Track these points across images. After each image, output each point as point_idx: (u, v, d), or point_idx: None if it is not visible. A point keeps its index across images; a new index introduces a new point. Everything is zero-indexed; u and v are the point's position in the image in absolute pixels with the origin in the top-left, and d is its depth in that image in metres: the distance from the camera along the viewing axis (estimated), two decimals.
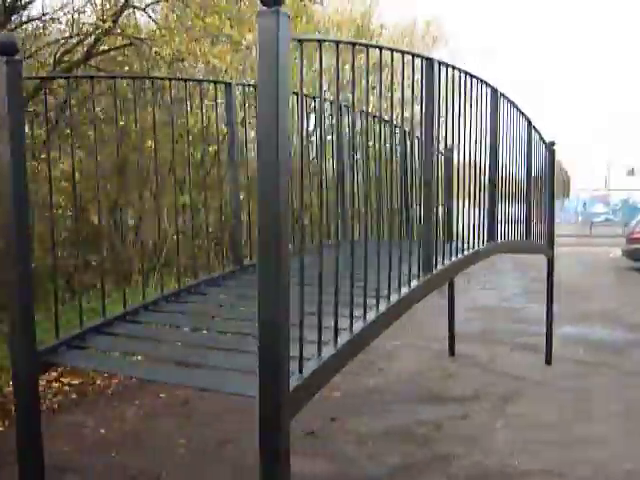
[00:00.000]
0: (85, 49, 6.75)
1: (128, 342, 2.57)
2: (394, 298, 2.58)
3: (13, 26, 6.15)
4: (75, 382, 5.89)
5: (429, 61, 2.84)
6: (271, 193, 1.69)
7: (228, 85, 4.05)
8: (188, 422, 4.97)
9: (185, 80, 4.29)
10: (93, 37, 6.55)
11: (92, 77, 4.37)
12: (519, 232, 4.94)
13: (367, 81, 2.81)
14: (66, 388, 5.77)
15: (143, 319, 2.76)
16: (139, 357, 2.63)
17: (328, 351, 2.12)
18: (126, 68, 7.28)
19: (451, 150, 6.24)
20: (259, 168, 1.71)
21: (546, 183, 6.24)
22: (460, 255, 3.38)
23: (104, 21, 6.50)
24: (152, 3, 7.22)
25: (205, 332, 2.70)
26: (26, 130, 6.61)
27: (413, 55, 2.75)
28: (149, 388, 5.83)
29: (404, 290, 2.68)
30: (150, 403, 5.42)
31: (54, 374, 5.99)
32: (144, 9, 7.26)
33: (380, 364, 6.65)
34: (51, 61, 6.62)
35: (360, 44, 2.55)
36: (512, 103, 4.57)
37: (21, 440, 2.40)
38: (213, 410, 5.23)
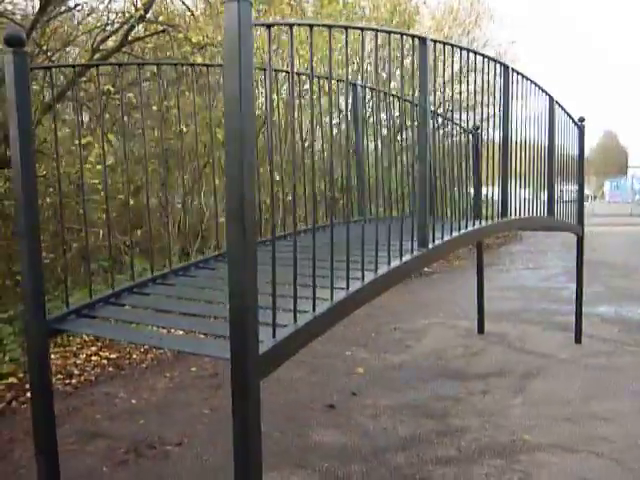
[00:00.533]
0: (120, 37, 6.97)
1: (132, 312, 2.74)
2: (382, 270, 2.65)
3: (51, 16, 6.40)
4: (113, 356, 6.20)
5: (422, 40, 2.88)
6: (237, 170, 1.80)
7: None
8: (214, 393, 5.17)
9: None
10: (127, 25, 6.76)
11: (119, 65, 4.55)
12: (539, 209, 4.92)
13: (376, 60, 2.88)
14: (104, 362, 6.07)
15: (150, 291, 2.93)
16: (139, 325, 2.81)
17: (306, 318, 2.22)
18: (166, 54, 7.50)
19: (478, 128, 6.27)
20: (226, 150, 1.83)
21: (576, 161, 6.16)
22: (463, 230, 3.42)
23: (137, 9, 6.72)
24: None
25: (202, 302, 2.83)
26: (73, 116, 6.89)
27: (402, 34, 2.81)
28: (181, 362, 6.10)
29: (395, 263, 2.75)
30: (180, 376, 5.66)
31: (94, 348, 6.33)
32: None
33: (408, 342, 6.74)
34: (90, 48, 6.87)
35: (337, 26, 2.62)
36: (529, 80, 4.54)
37: (35, 399, 2.62)
38: None
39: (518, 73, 4.28)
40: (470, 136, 5.65)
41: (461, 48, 3.37)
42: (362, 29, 2.63)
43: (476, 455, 3.91)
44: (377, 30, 2.91)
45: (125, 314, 2.73)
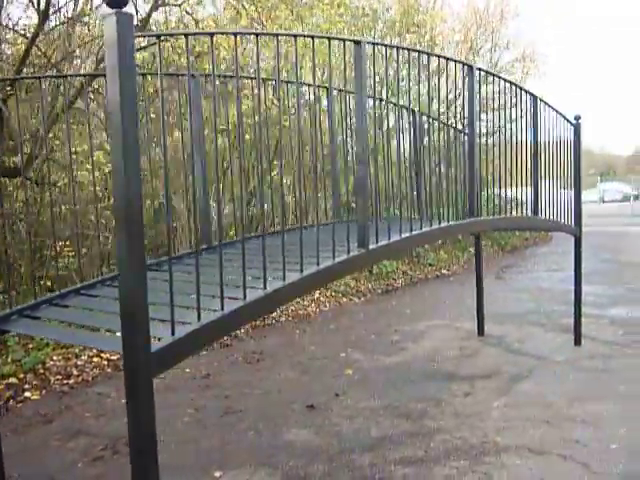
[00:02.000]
0: None
1: (72, 313, 2.84)
2: (310, 270, 2.68)
3: (52, 27, 6.63)
4: (113, 357, 6.37)
5: (357, 43, 2.91)
6: (122, 178, 1.88)
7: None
8: (202, 394, 5.29)
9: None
10: None
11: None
12: (520, 209, 4.89)
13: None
14: (104, 363, 6.25)
15: (98, 293, 3.04)
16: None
17: (211, 317, 2.28)
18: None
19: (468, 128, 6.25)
20: (112, 165, 1.92)
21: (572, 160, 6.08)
22: (420, 230, 3.42)
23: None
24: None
25: None
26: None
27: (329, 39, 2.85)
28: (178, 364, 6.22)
29: (327, 263, 2.78)
30: (174, 377, 5.77)
31: (95, 350, 6.51)
32: (179, 5, 7.60)
33: (405, 344, 6.74)
34: (95, 58, 7.09)
35: (239, 33, 2.68)
36: (508, 82, 4.55)
37: None
38: (229, 383, 5.54)
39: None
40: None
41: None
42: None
43: (442, 456, 3.91)
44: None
45: (64, 315, 2.84)
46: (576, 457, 3.82)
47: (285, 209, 4.98)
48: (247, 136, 7.97)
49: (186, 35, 2.38)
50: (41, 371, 5.84)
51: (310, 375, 5.74)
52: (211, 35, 2.50)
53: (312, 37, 2.83)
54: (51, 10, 6.14)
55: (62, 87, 6.94)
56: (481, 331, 6.92)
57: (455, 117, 4.36)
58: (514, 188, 5.25)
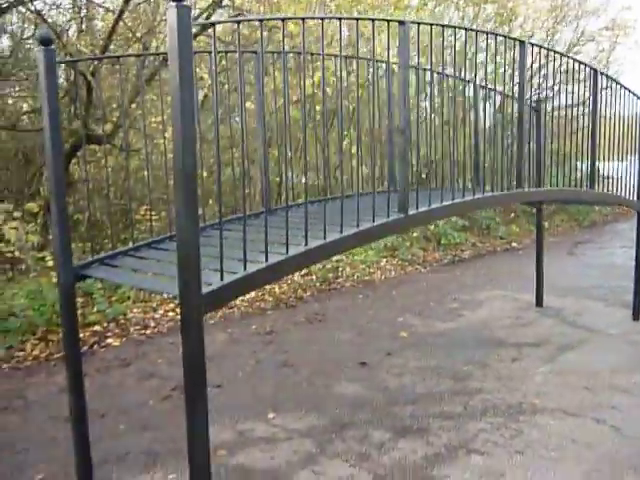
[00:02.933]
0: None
1: (143, 262, 3.26)
2: (348, 232, 2.97)
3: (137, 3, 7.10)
4: None
5: (401, 23, 3.13)
6: (181, 156, 2.23)
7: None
8: (264, 348, 5.71)
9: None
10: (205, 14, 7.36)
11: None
12: (575, 181, 4.97)
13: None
14: (178, 317, 6.78)
15: (167, 247, 3.44)
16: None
17: (255, 267, 2.62)
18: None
19: (540, 102, 6.33)
20: (174, 136, 2.26)
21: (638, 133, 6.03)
22: (458, 200, 3.63)
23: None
24: None
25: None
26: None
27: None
28: (245, 320, 6.71)
29: (367, 225, 3.06)
30: (240, 332, 6.25)
31: (172, 305, 7.08)
32: None
33: (463, 311, 6.93)
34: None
35: (263, 19, 2.94)
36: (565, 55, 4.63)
37: (65, 337, 3.23)
38: (290, 340, 5.95)
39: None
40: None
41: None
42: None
43: (479, 413, 4.16)
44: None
45: (138, 264, 3.25)
46: (609, 421, 3.98)
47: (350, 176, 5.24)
48: (318, 107, 8.26)
49: (261, 21, 2.71)
50: (122, 321, 6.45)
51: (366, 336, 6.06)
52: (282, 20, 2.81)
53: (357, 19, 3.08)
54: None
55: (145, 61, 7.47)
56: (540, 302, 7.01)
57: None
58: (602, 162, 5.38)
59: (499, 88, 5.21)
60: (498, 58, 4.01)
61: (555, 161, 5.30)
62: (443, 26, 3.40)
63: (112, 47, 7.22)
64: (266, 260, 2.65)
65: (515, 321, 6.46)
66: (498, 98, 6.10)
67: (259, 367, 5.21)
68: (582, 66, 5.05)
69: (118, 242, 6.65)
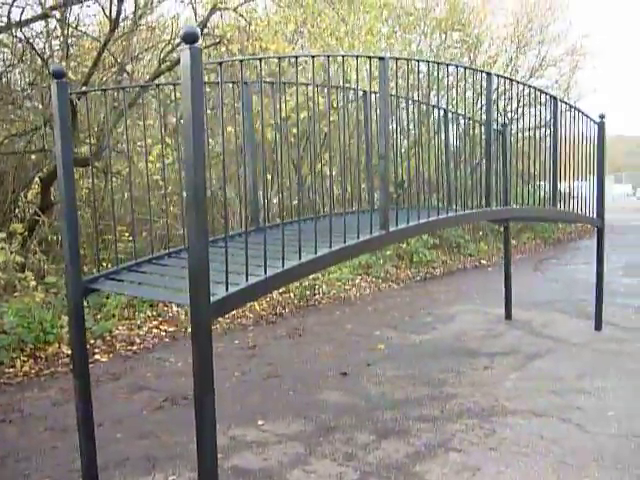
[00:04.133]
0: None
1: (147, 276, 3.50)
2: (336, 246, 3.27)
3: (122, 32, 7.38)
4: (171, 329, 7.13)
5: (381, 59, 3.48)
6: (192, 178, 2.51)
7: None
8: (247, 361, 5.96)
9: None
10: None
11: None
12: (539, 200, 5.37)
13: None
14: (162, 333, 7.01)
15: (166, 262, 3.70)
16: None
17: (255, 279, 2.90)
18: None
19: (505, 126, 6.75)
20: (183, 161, 2.55)
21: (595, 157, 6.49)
22: (430, 218, 3.97)
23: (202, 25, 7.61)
24: (241, 4, 8.21)
25: None
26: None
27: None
28: (228, 335, 6.94)
29: (352, 241, 3.37)
30: (224, 346, 6.48)
31: (155, 322, 7.28)
32: (235, 9, 8.26)
33: (436, 325, 7.27)
34: (155, 62, 7.82)
35: (262, 58, 3.26)
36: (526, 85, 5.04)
37: (73, 348, 3.46)
38: (272, 353, 6.20)
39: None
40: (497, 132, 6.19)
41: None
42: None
43: (455, 415, 4.47)
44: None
45: (142, 278, 3.50)
46: (574, 420, 4.32)
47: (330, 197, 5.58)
48: (294, 130, 8.61)
49: (260, 60, 3.02)
50: (108, 338, 6.63)
51: (345, 348, 6.35)
52: (279, 59, 3.14)
53: (343, 56, 3.43)
54: (121, 17, 6.87)
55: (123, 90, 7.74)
56: (509, 316, 7.40)
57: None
58: (565, 181, 5.80)
59: (464, 112, 5.60)
60: (465, 85, 4.37)
61: (520, 181, 5.71)
62: (418, 61, 3.76)
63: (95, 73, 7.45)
64: (265, 273, 2.94)
65: (486, 333, 6.82)
66: (463, 121, 6.52)
67: (245, 378, 5.45)
68: (545, 96, 5.49)
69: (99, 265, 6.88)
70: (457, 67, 4.19)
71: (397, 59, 3.59)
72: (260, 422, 4.44)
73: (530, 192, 5.60)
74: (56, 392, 5.18)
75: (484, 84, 4.46)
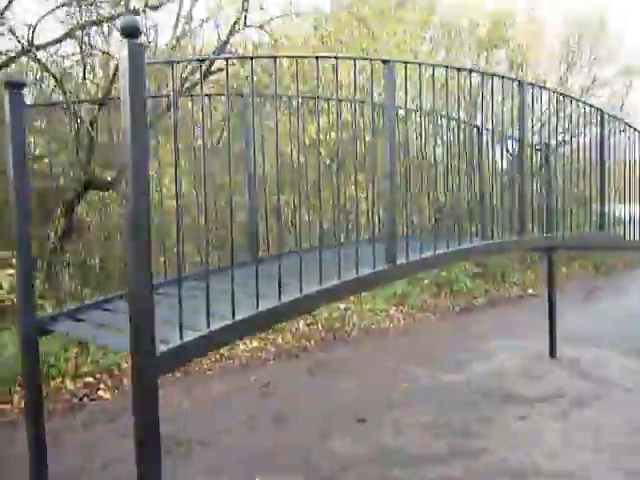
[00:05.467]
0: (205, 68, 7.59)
1: (115, 317, 3.08)
2: (327, 284, 2.77)
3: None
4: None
5: (385, 62, 2.99)
6: (133, 204, 2.06)
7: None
8: (261, 401, 5.46)
9: None
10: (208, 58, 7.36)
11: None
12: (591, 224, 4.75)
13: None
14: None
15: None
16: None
17: (221, 323, 2.42)
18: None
19: (548, 145, 6.16)
20: (128, 183, 2.10)
21: None
22: (452, 248, 3.43)
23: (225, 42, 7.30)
24: (267, 21, 7.87)
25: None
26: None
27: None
28: (244, 370, 6.46)
29: (346, 278, 2.86)
30: (238, 383, 6.00)
31: None
32: (261, 26, 7.94)
33: (470, 362, 6.62)
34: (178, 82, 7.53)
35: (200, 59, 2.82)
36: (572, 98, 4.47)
37: (27, 392, 3.04)
38: (288, 392, 5.69)
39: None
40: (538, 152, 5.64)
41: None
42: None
43: (480, 477, 3.86)
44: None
45: (107, 318, 3.07)
46: None
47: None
48: (322, 151, 8.18)
49: (252, 59, 2.60)
50: (116, 373, 6.24)
51: (368, 388, 5.78)
52: (275, 58, 2.71)
53: (336, 58, 2.95)
54: None
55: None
56: (553, 353, 6.69)
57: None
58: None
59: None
60: (500, 99, 3.83)
61: (567, 205, 5.08)
62: (434, 66, 3.25)
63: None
64: (233, 317, 2.46)
65: (526, 373, 6.14)
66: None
67: (252, 423, 4.95)
68: (589, 108, 4.90)
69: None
70: (483, 75, 3.65)
71: (406, 63, 3.09)
72: (257, 478, 3.92)
73: (581, 216, 5.00)
74: (47, 432, 4.78)
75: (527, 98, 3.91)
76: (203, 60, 2.61)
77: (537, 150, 5.85)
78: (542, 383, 5.80)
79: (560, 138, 6.09)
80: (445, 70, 3.60)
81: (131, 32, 2.04)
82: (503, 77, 3.87)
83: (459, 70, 3.43)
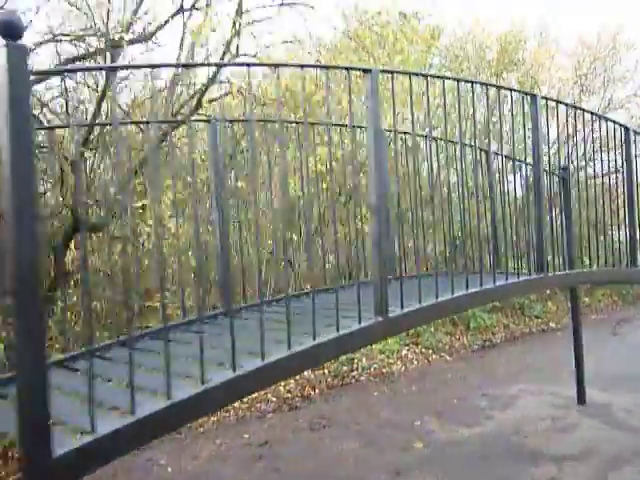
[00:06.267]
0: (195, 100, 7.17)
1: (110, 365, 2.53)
2: (297, 347, 2.19)
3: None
4: None
5: (366, 72, 2.47)
6: (20, 249, 1.53)
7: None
8: (253, 465, 4.85)
9: None
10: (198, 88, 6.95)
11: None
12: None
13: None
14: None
15: (115, 355, 2.72)
16: None
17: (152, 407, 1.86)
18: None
19: (567, 169, 5.59)
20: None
21: None
22: (465, 290, 2.84)
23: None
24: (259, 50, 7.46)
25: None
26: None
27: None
28: (240, 426, 5.86)
29: (304, 346, 2.25)
30: (230, 442, 5.40)
31: None
32: (254, 55, 7.52)
33: (491, 411, 5.96)
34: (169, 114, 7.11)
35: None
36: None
37: None
38: (285, 454, 5.08)
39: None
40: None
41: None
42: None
43: None
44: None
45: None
46: None
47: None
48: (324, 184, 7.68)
49: (222, 66, 2.06)
50: None
51: (375, 447, 5.14)
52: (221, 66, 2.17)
53: (315, 67, 2.43)
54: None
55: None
56: (582, 398, 6.00)
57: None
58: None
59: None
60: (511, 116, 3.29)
61: (589, 234, 4.49)
62: (426, 76, 2.72)
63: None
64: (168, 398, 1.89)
65: (553, 424, 5.46)
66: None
67: None
68: (614, 125, 4.34)
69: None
70: (486, 86, 3.12)
71: (392, 72, 2.56)
72: None
73: (603, 245, 4.41)
74: None
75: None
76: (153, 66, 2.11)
77: (555, 175, 5.29)
78: (571, 436, 5.13)
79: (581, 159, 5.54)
80: (445, 83, 3.08)
81: (10, 31, 1.54)
82: (511, 90, 3.32)
83: (458, 81, 2.90)
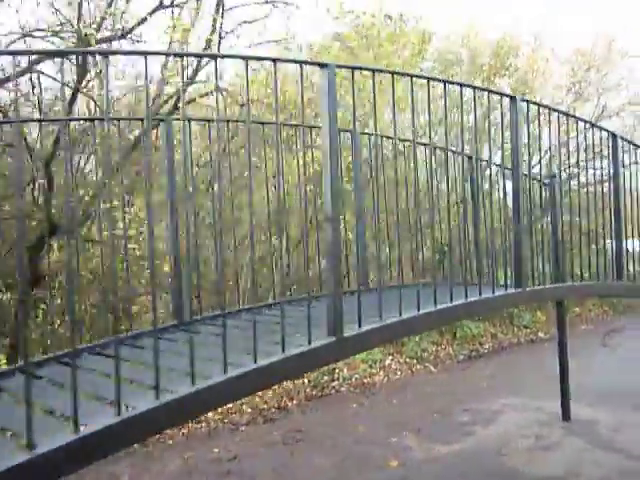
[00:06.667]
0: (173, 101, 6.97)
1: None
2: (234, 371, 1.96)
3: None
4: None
5: (323, 66, 2.25)
6: None
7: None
8: None
9: None
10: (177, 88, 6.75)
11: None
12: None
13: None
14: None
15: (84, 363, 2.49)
16: None
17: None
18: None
19: (554, 177, 5.39)
20: None
21: None
22: (433, 307, 2.61)
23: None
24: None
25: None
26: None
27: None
28: (210, 439, 5.62)
29: (261, 363, 2.03)
30: (199, 457, 5.16)
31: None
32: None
33: (472, 427, 5.74)
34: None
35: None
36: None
37: None
38: (254, 470, 4.85)
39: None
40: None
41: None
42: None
43: None
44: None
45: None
46: None
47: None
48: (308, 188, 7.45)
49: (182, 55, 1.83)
50: None
51: (349, 465, 4.91)
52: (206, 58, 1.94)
53: (274, 60, 2.21)
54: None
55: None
56: (566, 415, 5.77)
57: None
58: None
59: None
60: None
61: (577, 244, 4.27)
62: (393, 73, 2.50)
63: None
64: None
65: (536, 442, 5.24)
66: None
67: None
68: (602, 132, 4.14)
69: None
70: (461, 86, 2.91)
71: (353, 68, 2.34)
72: None
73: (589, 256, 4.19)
74: None
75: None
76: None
77: (541, 183, 5.10)
78: (554, 456, 4.91)
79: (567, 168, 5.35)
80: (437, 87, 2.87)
81: None
82: (490, 91, 3.11)
83: (428, 80, 2.68)
